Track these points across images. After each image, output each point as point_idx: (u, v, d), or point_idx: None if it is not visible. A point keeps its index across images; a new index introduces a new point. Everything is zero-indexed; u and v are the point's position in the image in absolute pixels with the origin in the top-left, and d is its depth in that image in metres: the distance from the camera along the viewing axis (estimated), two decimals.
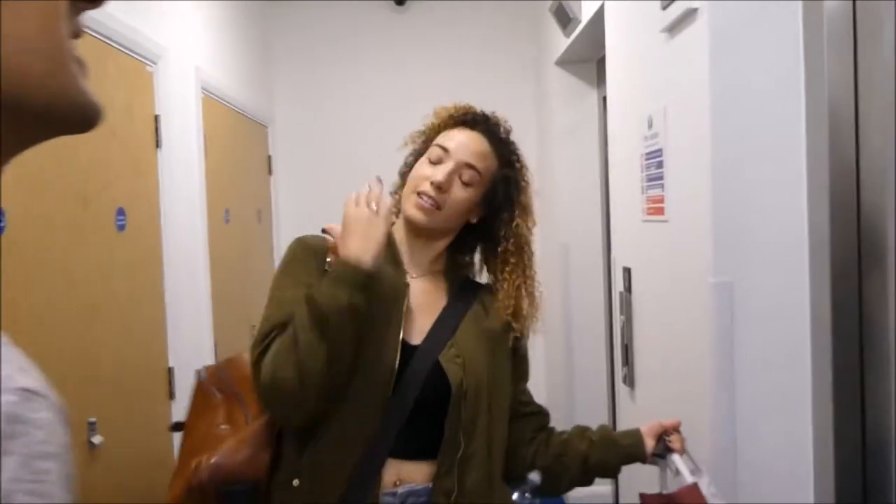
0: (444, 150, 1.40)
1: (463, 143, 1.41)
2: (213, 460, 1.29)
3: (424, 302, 1.40)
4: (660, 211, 2.03)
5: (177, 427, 1.66)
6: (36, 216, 1.73)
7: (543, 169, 4.27)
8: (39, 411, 0.43)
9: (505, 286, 1.45)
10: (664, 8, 1.86)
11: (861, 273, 1.53)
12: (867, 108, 1.49)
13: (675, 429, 1.53)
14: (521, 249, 1.48)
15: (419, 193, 1.37)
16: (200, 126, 2.82)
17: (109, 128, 2.11)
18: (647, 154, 2.12)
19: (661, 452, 1.49)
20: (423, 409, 1.29)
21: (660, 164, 2.01)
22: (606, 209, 3.11)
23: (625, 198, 2.41)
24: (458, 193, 1.38)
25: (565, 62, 3.70)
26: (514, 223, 1.47)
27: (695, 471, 1.46)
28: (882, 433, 1.50)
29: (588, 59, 3.59)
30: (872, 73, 1.47)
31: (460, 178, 1.38)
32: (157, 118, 2.43)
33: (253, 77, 3.88)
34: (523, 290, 1.46)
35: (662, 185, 2.00)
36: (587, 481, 1.51)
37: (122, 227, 2.16)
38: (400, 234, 1.44)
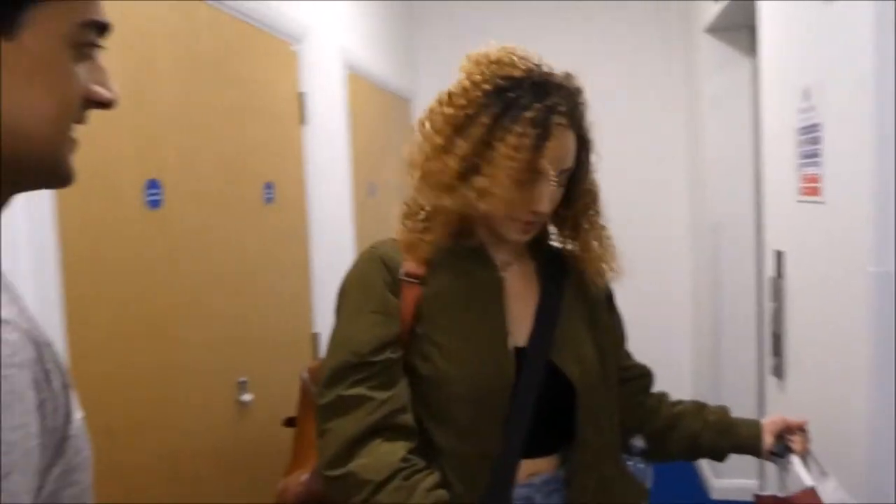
0: (537, 171, 1.17)
1: (556, 157, 1.17)
2: (302, 478, 1.29)
3: (520, 291, 1.28)
4: (815, 191, 1.87)
5: (289, 423, 1.66)
6: (190, 191, 1.86)
7: (693, 143, 4.07)
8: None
9: (586, 244, 1.30)
10: None
11: None
12: None
13: (800, 428, 1.43)
14: (595, 199, 1.32)
15: (519, 220, 1.20)
16: (345, 102, 2.91)
17: (256, 105, 2.23)
18: (803, 129, 1.96)
19: (780, 451, 1.40)
20: (543, 410, 1.22)
21: (816, 140, 1.85)
22: (759, 187, 2.92)
23: (778, 176, 2.25)
24: (555, 195, 1.21)
25: (716, 29, 3.49)
26: (588, 175, 1.31)
27: (818, 474, 1.36)
28: None
29: (740, 26, 3.36)
30: None
31: (557, 184, 1.21)
32: (301, 95, 2.54)
33: (396, 51, 3.95)
34: (602, 242, 1.31)
35: (818, 164, 1.84)
36: (692, 458, 1.47)
37: (269, 200, 2.28)
38: (481, 229, 1.26)
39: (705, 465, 3.77)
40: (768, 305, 2.29)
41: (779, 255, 2.20)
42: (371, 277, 1.19)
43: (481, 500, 1.17)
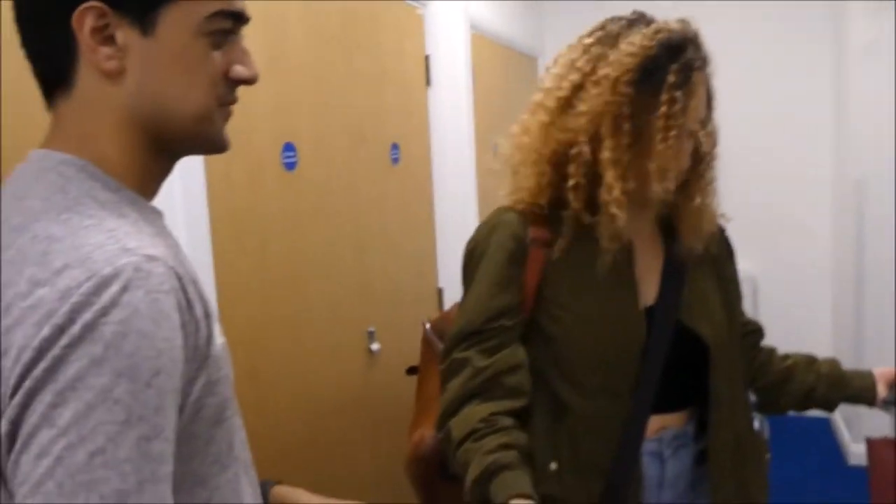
0: (681, 125, 1.14)
1: (697, 110, 1.18)
2: (433, 433, 1.30)
3: (647, 250, 1.27)
4: None
5: (412, 371, 1.72)
6: (322, 152, 1.99)
7: (839, 94, 3.82)
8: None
9: (703, 200, 1.26)
10: None
11: None
12: None
13: None
14: (713, 156, 1.26)
15: (670, 181, 1.18)
16: (469, 64, 2.96)
17: (382, 69, 2.32)
18: None
19: (893, 400, 1.42)
20: (672, 369, 1.23)
21: None
22: None
23: None
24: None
25: None
26: (709, 124, 1.24)
27: None
28: None
29: None
30: None
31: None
32: (427, 58, 2.61)
33: (521, 9, 3.94)
34: (705, 199, 1.27)
35: None
36: (802, 409, 1.46)
37: (395, 161, 2.39)
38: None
39: (843, 430, 3.62)
40: None
41: None
42: (497, 246, 1.21)
43: (613, 458, 1.20)
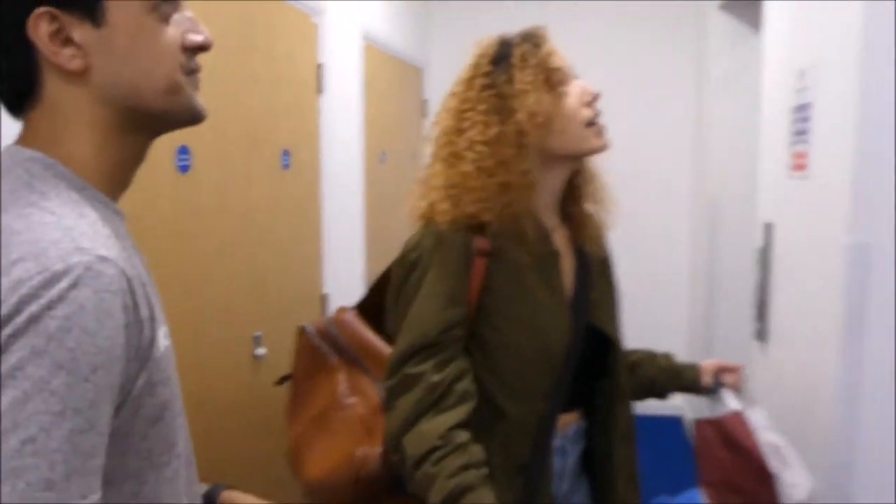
0: (559, 68, 1.28)
1: (560, 52, 1.31)
2: (379, 449, 1.26)
3: (566, 257, 1.35)
4: (803, 167, 1.99)
5: (284, 380, 1.53)
6: (216, 155, 1.99)
7: (701, 119, 4.15)
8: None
9: (587, 203, 1.39)
10: None
11: None
12: None
13: (734, 370, 1.64)
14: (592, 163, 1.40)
15: (593, 123, 1.29)
16: (361, 72, 3.02)
17: (276, 75, 2.34)
18: (796, 108, 2.06)
19: (714, 387, 1.61)
20: (581, 367, 1.32)
21: (807, 120, 1.96)
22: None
23: (773, 152, 2.35)
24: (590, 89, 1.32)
25: (728, 4, 3.55)
26: None
27: (747, 404, 1.56)
28: None
29: (751, 1, 3.42)
30: None
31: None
32: (320, 66, 2.65)
33: (411, 21, 4.03)
34: (600, 201, 1.40)
35: (807, 141, 1.95)
36: (641, 399, 1.58)
37: (286, 166, 2.41)
38: (538, 192, 1.30)
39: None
40: (756, 274, 2.41)
41: (768, 228, 2.32)
42: (447, 258, 1.22)
43: (531, 454, 1.26)
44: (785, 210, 2.19)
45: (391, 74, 3.66)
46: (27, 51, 0.69)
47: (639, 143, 4.30)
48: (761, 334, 2.35)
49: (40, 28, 0.68)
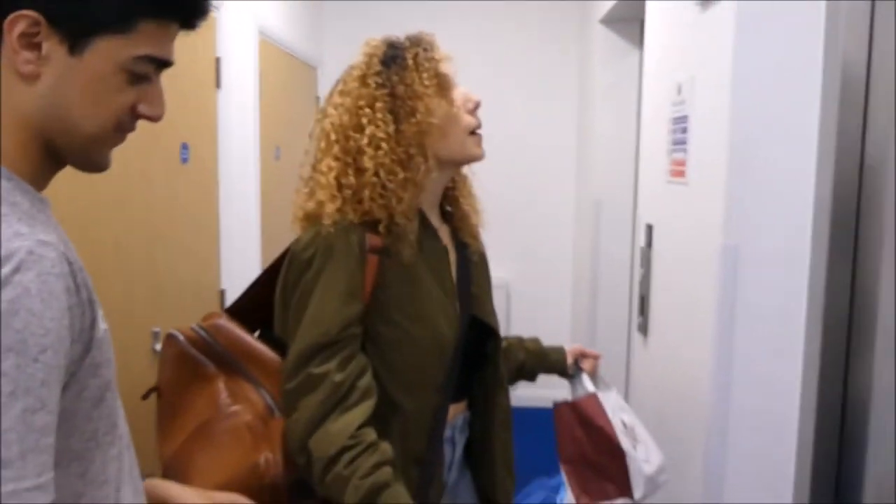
0: (447, 74, 1.32)
1: (445, 59, 1.35)
2: (279, 455, 1.23)
3: (451, 253, 1.41)
4: (681, 174, 2.17)
5: (150, 393, 1.38)
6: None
7: (583, 125, 4.37)
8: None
9: (463, 202, 1.45)
10: None
11: (857, 251, 1.67)
12: (876, 89, 1.60)
13: (594, 356, 1.79)
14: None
15: (476, 131, 1.34)
16: (257, 68, 3.00)
17: (176, 69, 2.29)
18: (675, 119, 2.24)
19: (574, 371, 1.76)
20: (464, 357, 1.37)
21: (684, 130, 2.14)
22: (637, 169, 3.23)
23: (652, 159, 2.54)
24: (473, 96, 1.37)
25: (610, 21, 3.76)
26: None
27: (603, 387, 1.72)
28: (862, 393, 1.65)
29: (632, 19, 3.64)
30: (884, 57, 1.58)
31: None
32: (217, 60, 2.62)
33: (305, 20, 4.02)
34: (474, 200, 1.47)
35: (685, 150, 2.13)
36: (512, 382, 1.66)
37: (185, 160, 2.37)
38: (425, 193, 1.34)
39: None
40: (638, 272, 2.59)
41: (649, 229, 2.50)
42: (342, 256, 1.22)
43: (426, 446, 1.30)
44: (665, 213, 2.38)
45: (286, 71, 3.64)
46: None
47: (527, 144, 4.49)
48: (643, 328, 2.54)
49: (17, 25, 0.70)
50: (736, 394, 1.84)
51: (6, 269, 0.63)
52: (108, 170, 0.83)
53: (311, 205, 1.29)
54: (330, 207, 1.25)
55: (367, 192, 1.25)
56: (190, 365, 1.30)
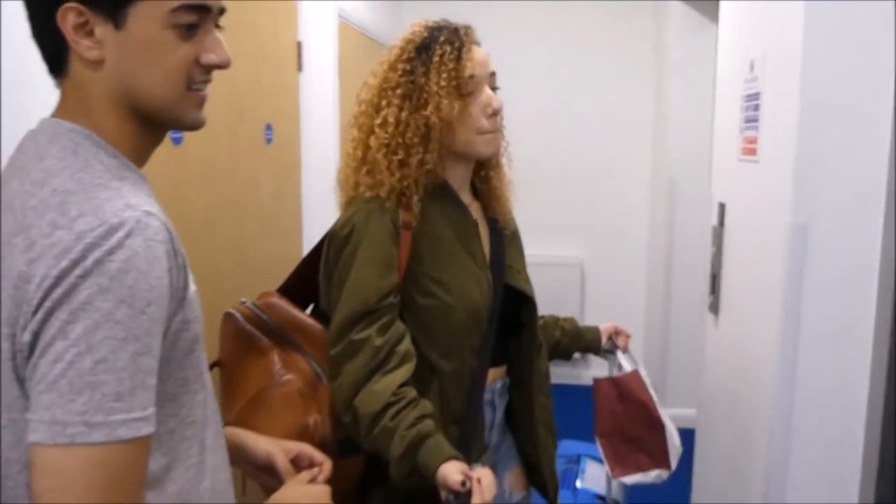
0: (472, 77, 1.38)
1: (480, 60, 1.40)
2: (327, 417, 1.34)
3: (482, 227, 1.50)
4: (753, 152, 2.16)
5: (213, 367, 1.42)
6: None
7: (659, 102, 4.33)
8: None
9: (497, 172, 1.52)
10: None
11: None
12: None
13: (627, 335, 1.84)
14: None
15: (486, 132, 1.40)
16: (336, 51, 3.11)
17: (260, 52, 2.43)
18: (747, 96, 2.23)
19: (610, 348, 1.82)
20: (501, 324, 1.46)
21: (756, 108, 2.13)
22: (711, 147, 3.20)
23: (726, 136, 2.52)
24: (499, 100, 1.43)
25: None
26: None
27: (635, 364, 1.78)
28: None
29: None
30: None
31: (494, 90, 1.43)
32: (299, 44, 2.74)
33: (383, 2, 4.12)
34: (505, 181, 1.54)
35: (757, 128, 2.12)
36: (548, 359, 1.71)
37: (269, 140, 2.51)
38: (452, 175, 1.45)
39: None
40: (710, 250, 2.59)
41: (722, 207, 2.50)
42: (377, 231, 1.32)
43: (465, 407, 1.41)
44: (736, 191, 2.37)
45: (364, 53, 3.74)
46: (56, 35, 0.81)
47: (602, 122, 4.47)
48: (714, 307, 2.54)
49: (67, 18, 0.79)
50: (801, 375, 1.85)
51: (119, 235, 0.74)
52: (202, 127, 0.90)
53: (350, 181, 1.42)
54: (362, 183, 1.39)
55: (377, 168, 1.37)
56: (246, 340, 1.41)
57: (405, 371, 1.31)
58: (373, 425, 1.27)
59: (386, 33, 4.13)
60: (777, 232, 1.91)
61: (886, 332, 1.73)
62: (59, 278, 0.71)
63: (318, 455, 1.16)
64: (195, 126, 0.90)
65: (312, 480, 1.10)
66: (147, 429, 0.75)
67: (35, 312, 0.72)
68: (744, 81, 2.27)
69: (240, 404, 1.36)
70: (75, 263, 0.72)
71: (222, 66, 0.88)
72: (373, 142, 1.38)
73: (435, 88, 1.35)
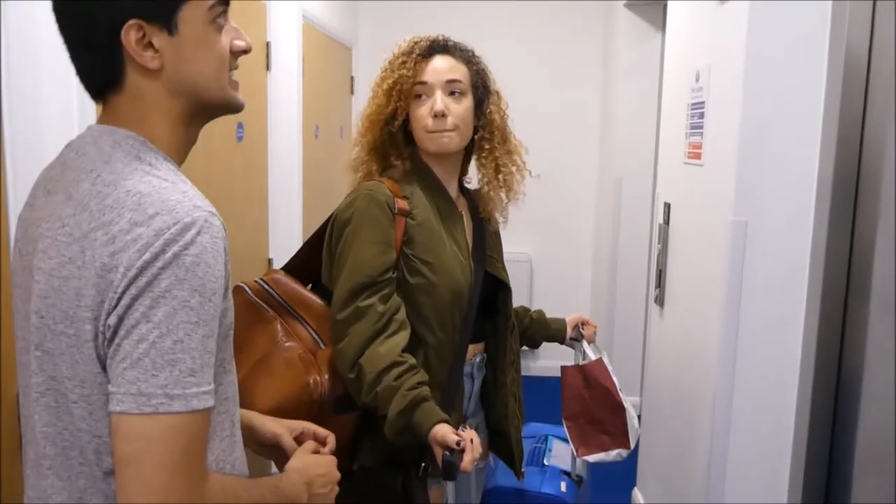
0: (424, 83, 1.58)
1: (434, 69, 1.59)
2: (326, 377, 1.48)
3: (466, 218, 1.69)
4: (698, 156, 2.34)
5: None
6: None
7: (607, 105, 4.52)
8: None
9: (486, 179, 1.69)
10: None
11: (854, 227, 1.84)
12: (877, 77, 1.77)
13: (593, 326, 2.02)
14: (493, 134, 1.67)
15: (430, 132, 1.58)
16: (300, 51, 3.19)
17: None
18: (693, 104, 2.41)
19: (577, 337, 2.00)
20: (480, 307, 1.66)
21: (701, 115, 2.31)
22: (657, 149, 3.39)
23: (672, 141, 2.71)
24: (458, 108, 1.59)
25: (634, 3, 3.90)
26: (488, 110, 1.66)
27: (598, 353, 1.96)
28: (857, 360, 1.83)
29: (655, 2, 3.78)
30: (884, 47, 1.74)
31: (450, 95, 1.59)
32: (268, 45, 2.81)
33: (341, 2, 4.20)
34: (500, 180, 1.69)
35: (702, 134, 2.31)
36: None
37: (240, 139, 2.58)
38: (438, 169, 1.64)
39: None
40: (656, 247, 2.78)
41: (667, 206, 2.68)
42: (377, 215, 1.51)
43: (447, 376, 1.58)
44: (681, 192, 2.55)
45: (325, 52, 3.83)
46: (117, 50, 0.89)
47: (552, 123, 4.64)
48: (659, 300, 2.73)
49: (131, 35, 0.88)
50: (741, 362, 2.04)
51: (192, 232, 0.83)
52: (243, 108, 1.01)
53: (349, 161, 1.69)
54: (361, 171, 1.65)
55: (358, 159, 1.65)
56: (253, 310, 1.57)
57: (403, 336, 1.48)
58: (376, 382, 1.42)
59: (343, 31, 4.21)
60: (719, 229, 2.10)
61: (815, 321, 1.93)
62: (143, 269, 0.81)
63: (320, 430, 1.27)
64: (241, 107, 1.01)
65: (316, 451, 1.20)
66: (212, 401, 0.86)
67: (120, 298, 0.81)
68: (690, 91, 2.45)
69: (246, 367, 1.48)
70: (156, 256, 0.81)
71: (248, 50, 0.99)
72: (359, 137, 1.64)
73: (388, 86, 1.58)
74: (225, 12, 0.96)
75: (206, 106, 0.97)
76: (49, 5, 0.92)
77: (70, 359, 0.85)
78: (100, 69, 0.92)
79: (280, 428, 1.25)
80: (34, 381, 0.89)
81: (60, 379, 0.87)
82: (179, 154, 0.97)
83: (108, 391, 0.83)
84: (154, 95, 0.92)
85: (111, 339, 0.82)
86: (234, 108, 1.00)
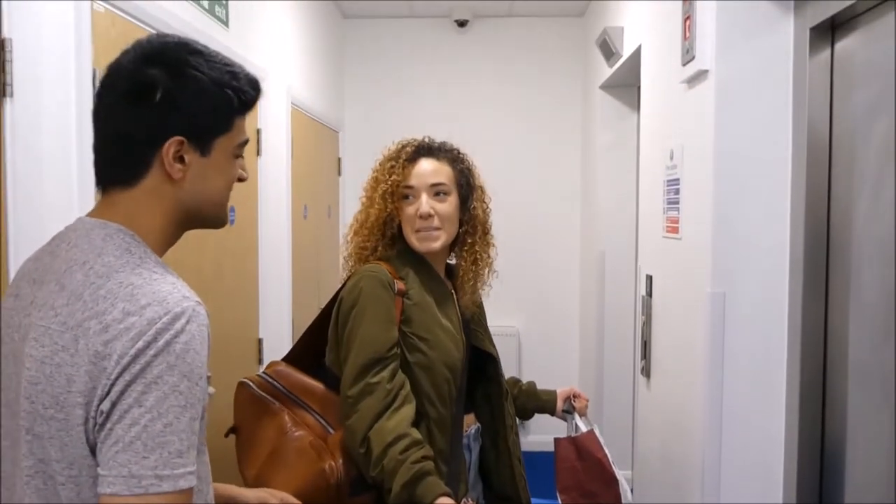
0: (410, 187, 1.69)
1: (419, 173, 1.70)
2: (340, 461, 1.52)
3: (454, 298, 1.79)
4: (675, 230, 2.43)
5: (231, 433, 1.71)
6: None
7: (586, 182, 4.66)
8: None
9: (464, 265, 1.76)
10: (683, 64, 2.27)
11: (828, 293, 1.92)
12: (839, 153, 1.87)
13: (582, 398, 2.08)
14: (475, 228, 1.77)
15: (417, 231, 1.68)
16: (289, 135, 3.30)
17: None
18: (668, 181, 2.52)
19: (569, 409, 2.05)
20: (469, 378, 1.73)
21: (677, 191, 2.41)
22: (637, 224, 3.49)
23: (650, 215, 2.81)
24: (443, 207, 1.69)
25: (609, 86, 4.08)
26: (472, 206, 1.77)
27: (590, 425, 1.99)
28: (839, 429, 1.88)
29: (630, 85, 3.95)
30: (844, 126, 1.85)
31: (435, 196, 1.69)
32: (259, 131, 2.92)
33: (329, 88, 4.36)
34: (475, 270, 1.77)
35: (678, 209, 2.40)
36: None
37: (232, 222, 2.65)
38: (430, 255, 1.73)
39: None
40: (640, 319, 2.84)
41: (649, 279, 2.76)
42: (381, 294, 1.59)
43: (449, 447, 1.63)
44: (662, 264, 2.63)
45: (313, 136, 3.95)
46: (150, 155, 0.98)
47: (536, 202, 4.78)
48: (645, 371, 2.77)
49: (171, 148, 0.98)
50: (727, 429, 2.07)
51: (182, 321, 0.90)
52: (225, 225, 1.11)
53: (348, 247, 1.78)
54: (362, 257, 1.73)
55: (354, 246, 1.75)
56: (259, 405, 1.63)
57: (409, 409, 1.53)
58: (383, 454, 1.46)
59: (331, 116, 4.36)
60: (699, 300, 2.16)
61: (796, 392, 1.97)
62: (136, 357, 0.86)
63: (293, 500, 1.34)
64: (226, 223, 1.11)
65: None
66: (195, 480, 0.90)
67: (114, 384, 0.86)
68: (665, 168, 2.56)
69: (259, 462, 1.54)
70: (149, 344, 0.87)
71: (245, 179, 1.10)
72: (352, 230, 1.76)
73: (382, 190, 1.69)
74: (242, 151, 1.07)
75: (203, 218, 1.06)
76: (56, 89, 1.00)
77: (59, 442, 0.89)
78: (125, 165, 0.99)
79: (265, 493, 1.33)
80: (24, 464, 0.92)
81: (49, 461, 0.90)
82: (163, 249, 1.04)
83: (96, 473, 0.87)
84: (166, 197, 1.00)
85: (103, 424, 0.87)
86: (223, 225, 1.10)
